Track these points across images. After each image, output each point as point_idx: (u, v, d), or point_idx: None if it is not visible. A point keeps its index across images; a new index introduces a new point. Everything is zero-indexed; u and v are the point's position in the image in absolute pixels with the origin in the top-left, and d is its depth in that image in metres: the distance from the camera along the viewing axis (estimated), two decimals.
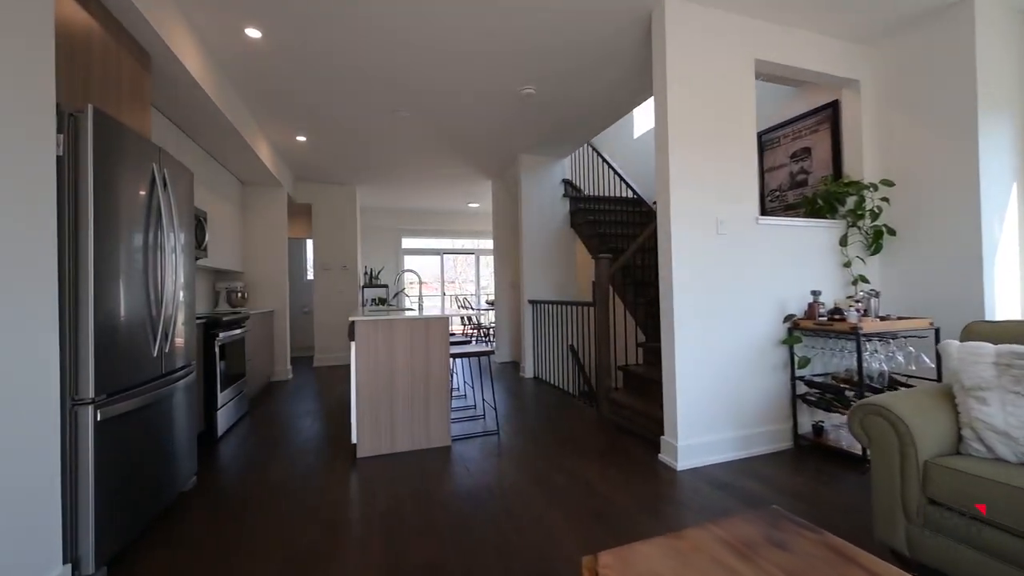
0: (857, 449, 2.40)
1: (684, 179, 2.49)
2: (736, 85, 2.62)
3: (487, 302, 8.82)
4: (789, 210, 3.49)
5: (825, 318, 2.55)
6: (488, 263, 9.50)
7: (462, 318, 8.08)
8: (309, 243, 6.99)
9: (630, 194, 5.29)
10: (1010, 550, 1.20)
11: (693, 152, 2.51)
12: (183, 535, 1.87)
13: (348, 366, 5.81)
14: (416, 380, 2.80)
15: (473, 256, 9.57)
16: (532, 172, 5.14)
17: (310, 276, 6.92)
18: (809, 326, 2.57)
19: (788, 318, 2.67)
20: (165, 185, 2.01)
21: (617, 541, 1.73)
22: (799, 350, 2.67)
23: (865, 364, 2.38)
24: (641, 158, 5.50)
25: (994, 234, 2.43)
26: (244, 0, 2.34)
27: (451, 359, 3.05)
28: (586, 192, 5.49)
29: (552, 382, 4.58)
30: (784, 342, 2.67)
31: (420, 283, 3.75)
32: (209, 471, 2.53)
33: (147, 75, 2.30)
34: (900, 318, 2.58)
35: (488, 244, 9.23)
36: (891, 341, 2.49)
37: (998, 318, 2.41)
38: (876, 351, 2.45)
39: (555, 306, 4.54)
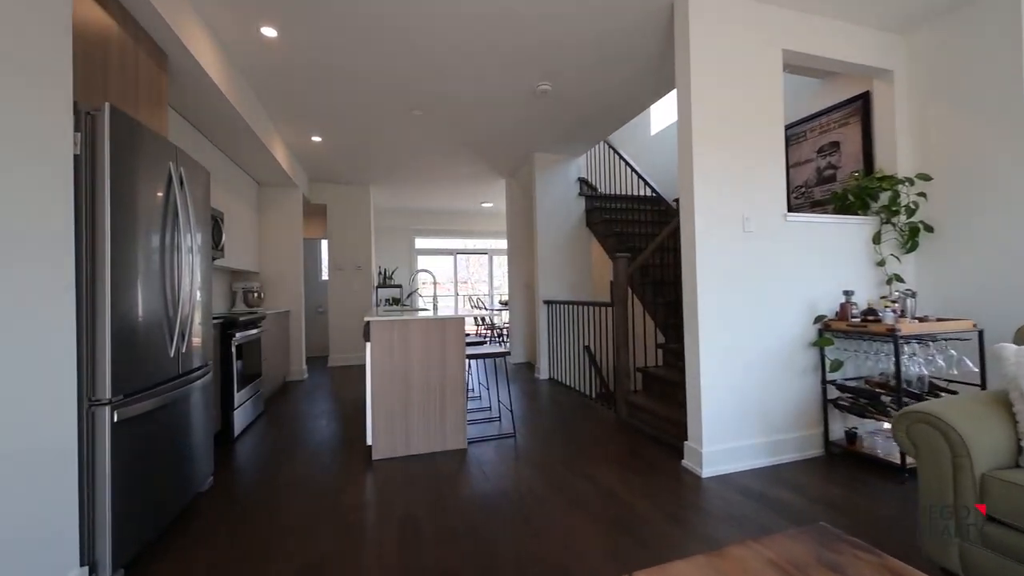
0: (894, 457, 2.28)
1: (709, 174, 2.39)
2: (763, 77, 2.52)
3: (500, 302, 8.77)
4: (816, 207, 3.36)
5: (858, 319, 2.43)
6: (501, 263, 9.45)
7: (476, 319, 8.05)
8: (324, 243, 7.03)
9: (647, 192, 5.18)
10: None
11: (718, 146, 2.41)
12: (200, 537, 1.85)
13: (362, 366, 5.81)
14: (432, 381, 2.76)
15: (486, 256, 9.53)
16: (547, 171, 5.07)
17: (325, 276, 6.96)
18: (841, 327, 2.45)
19: (818, 319, 2.55)
20: (182, 184, 2.00)
21: (644, 552, 1.66)
22: (830, 352, 2.56)
23: (903, 368, 2.26)
24: (658, 156, 5.39)
25: None
26: None
27: (466, 360, 3.00)
28: (602, 191, 5.39)
29: (568, 383, 4.50)
30: (814, 344, 2.56)
31: (435, 283, 3.70)
32: (226, 471, 2.52)
33: (164, 75, 2.30)
34: (939, 319, 2.44)
35: (501, 244, 9.18)
36: (930, 344, 2.36)
37: None
38: (914, 354, 2.33)
39: (571, 306, 4.46)
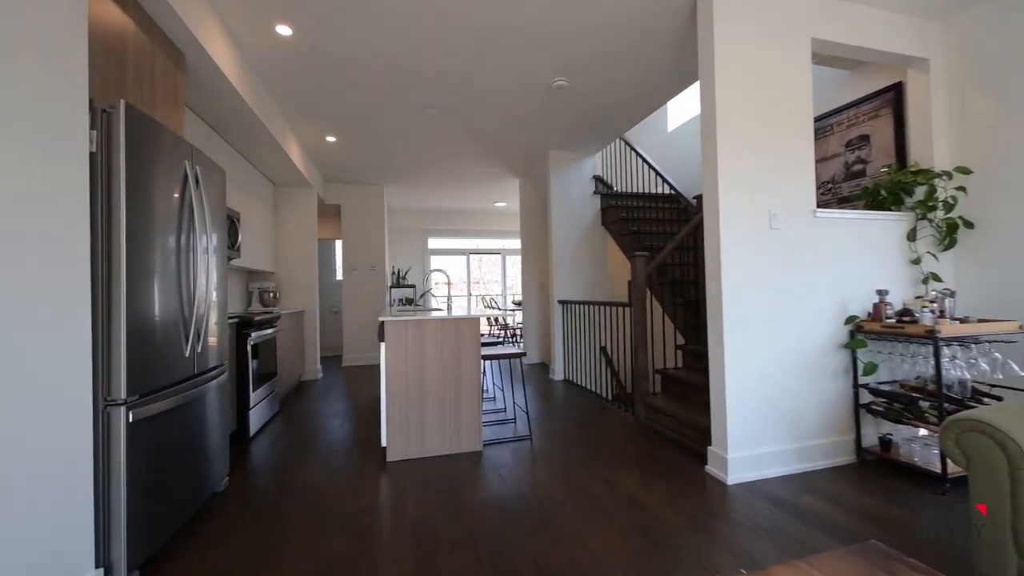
0: (934, 466, 2.15)
1: (733, 169, 2.30)
2: (791, 66, 2.42)
3: (514, 302, 8.71)
4: (844, 203, 3.22)
5: (893, 320, 2.31)
6: (514, 263, 9.40)
7: (489, 319, 8.00)
8: (338, 243, 7.06)
9: (665, 190, 5.07)
10: None
11: (743, 139, 2.32)
12: (215, 538, 1.83)
13: (376, 366, 5.81)
14: (447, 382, 2.71)
15: (499, 256, 9.48)
16: (561, 169, 4.99)
17: (339, 276, 6.99)
18: (875, 329, 2.33)
19: (850, 320, 2.44)
20: (198, 183, 1.99)
21: (671, 565, 1.58)
22: (863, 355, 2.44)
23: (943, 371, 2.13)
24: (676, 152, 5.27)
25: None
26: None
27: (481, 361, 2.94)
28: (617, 189, 5.30)
29: (584, 385, 4.42)
30: (846, 346, 2.44)
31: (448, 283, 3.65)
32: (241, 472, 2.51)
33: (180, 73, 2.30)
34: (981, 320, 2.31)
35: (514, 244, 9.11)
36: (972, 346, 2.23)
37: None
38: (955, 357, 2.20)
39: (586, 306, 4.38)
